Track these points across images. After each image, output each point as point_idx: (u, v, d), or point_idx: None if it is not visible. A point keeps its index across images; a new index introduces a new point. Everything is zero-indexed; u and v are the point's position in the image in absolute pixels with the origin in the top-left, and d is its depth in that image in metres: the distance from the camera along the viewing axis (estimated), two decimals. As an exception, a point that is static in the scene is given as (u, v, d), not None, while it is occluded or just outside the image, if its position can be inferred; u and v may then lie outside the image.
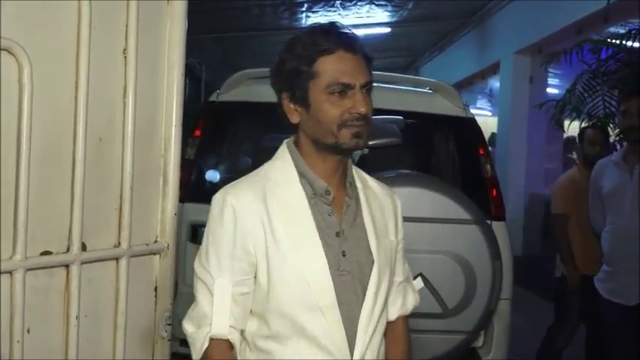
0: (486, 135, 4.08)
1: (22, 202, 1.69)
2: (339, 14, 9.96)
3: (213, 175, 3.68)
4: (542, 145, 9.26)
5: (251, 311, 1.57)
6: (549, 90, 9.86)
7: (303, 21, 10.39)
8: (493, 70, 10.75)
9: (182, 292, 2.85)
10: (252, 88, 3.61)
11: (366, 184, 1.69)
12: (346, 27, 1.58)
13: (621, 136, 4.68)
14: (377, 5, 9.89)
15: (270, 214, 1.53)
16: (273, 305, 1.53)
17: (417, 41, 12.84)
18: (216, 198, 1.57)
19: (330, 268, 1.53)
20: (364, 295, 1.57)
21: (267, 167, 1.63)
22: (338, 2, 9.54)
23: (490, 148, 4.58)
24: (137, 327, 2.06)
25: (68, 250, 1.83)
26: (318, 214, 1.56)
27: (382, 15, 10.51)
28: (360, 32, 10.75)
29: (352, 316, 1.55)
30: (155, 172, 2.11)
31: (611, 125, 5.55)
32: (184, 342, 1.64)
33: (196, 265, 1.59)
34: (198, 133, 3.61)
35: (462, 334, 2.97)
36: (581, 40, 6.32)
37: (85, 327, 1.88)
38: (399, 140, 3.04)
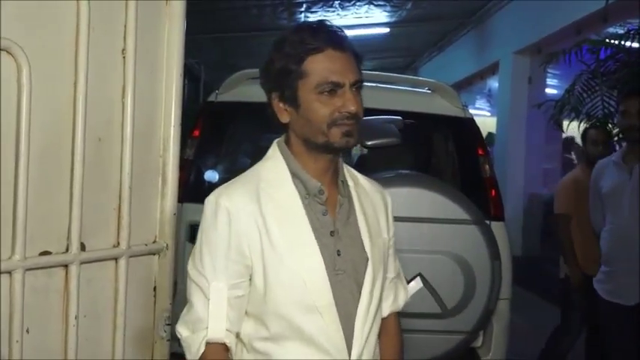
0: (483, 134, 4.07)
1: (21, 202, 1.69)
2: (338, 14, 9.96)
3: (212, 176, 3.67)
4: (541, 145, 9.26)
5: (247, 313, 1.56)
6: (548, 90, 9.86)
7: (302, 21, 10.39)
8: (492, 70, 10.76)
9: (181, 292, 2.85)
10: (251, 88, 3.60)
11: (357, 182, 1.68)
12: (334, 25, 1.57)
13: (620, 136, 4.68)
14: (376, 5, 9.89)
15: (264, 215, 1.52)
16: (270, 307, 1.52)
17: (416, 41, 12.84)
18: (210, 200, 1.55)
19: (326, 268, 1.53)
20: (359, 293, 1.56)
21: (258, 167, 1.61)
22: (337, 2, 9.54)
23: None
24: (136, 327, 2.06)
25: (67, 250, 1.84)
26: (312, 213, 1.55)
27: (381, 15, 10.51)
28: (358, 32, 10.81)
29: (349, 315, 1.55)
30: (154, 172, 2.11)
31: (609, 125, 5.54)
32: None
33: (190, 268, 1.57)
34: (197, 133, 3.60)
35: (461, 334, 2.97)
36: (580, 41, 6.31)
37: (84, 327, 1.88)
38: (398, 140, 3.05)
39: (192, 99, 10.66)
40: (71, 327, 1.84)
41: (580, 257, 4.13)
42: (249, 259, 1.52)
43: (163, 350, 2.12)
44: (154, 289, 2.12)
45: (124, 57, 1.96)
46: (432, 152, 4.29)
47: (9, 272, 1.70)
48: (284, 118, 1.57)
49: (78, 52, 1.82)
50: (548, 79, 9.75)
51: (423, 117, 3.85)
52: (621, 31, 6.26)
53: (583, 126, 5.68)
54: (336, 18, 10.02)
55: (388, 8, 10.12)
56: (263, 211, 1.52)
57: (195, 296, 1.55)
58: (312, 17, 10.02)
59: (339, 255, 1.56)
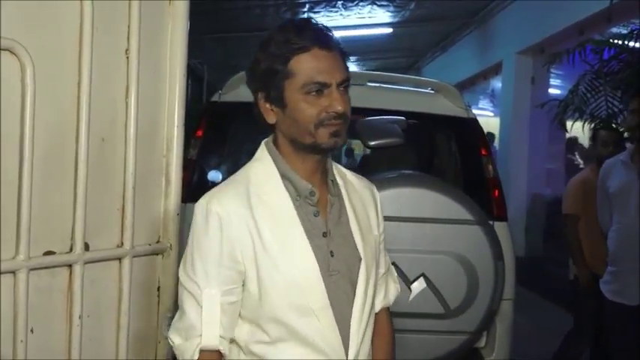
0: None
1: (24, 202, 1.70)
2: (341, 14, 9.97)
3: (215, 176, 3.68)
4: (544, 146, 9.26)
5: (242, 317, 1.55)
6: (551, 90, 9.85)
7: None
8: (495, 70, 10.75)
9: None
10: (253, 88, 3.60)
11: (346, 179, 1.67)
12: (320, 23, 1.54)
13: (627, 134, 4.66)
14: (379, 5, 9.89)
15: (255, 218, 1.50)
16: (266, 311, 1.51)
17: (419, 41, 12.84)
18: (200, 204, 1.53)
19: (320, 270, 1.51)
20: (354, 293, 1.56)
21: (247, 169, 1.59)
22: (340, 2, 9.54)
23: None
24: (139, 327, 2.06)
25: (71, 250, 1.84)
26: (304, 215, 1.54)
27: (384, 15, 10.51)
28: (361, 33, 10.77)
29: (344, 315, 1.54)
30: (157, 172, 2.12)
31: (613, 126, 5.53)
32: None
33: (181, 274, 1.55)
34: (200, 133, 3.60)
35: (464, 334, 2.96)
36: (583, 41, 6.29)
37: (88, 327, 1.89)
38: (401, 141, 3.04)
39: (195, 99, 10.65)
40: (75, 327, 1.85)
41: (588, 257, 4.11)
42: (241, 265, 1.50)
43: (166, 350, 2.12)
44: (158, 289, 2.12)
45: (127, 57, 1.96)
46: (435, 152, 4.28)
47: (13, 272, 1.70)
48: (270, 118, 1.54)
49: (81, 52, 1.82)
50: (551, 80, 9.74)
51: (426, 117, 3.84)
52: (625, 32, 6.25)
53: (587, 126, 5.68)
54: (339, 18, 10.03)
55: (391, 8, 10.12)
56: (254, 215, 1.50)
57: (187, 303, 1.52)
58: (315, 17, 10.01)
59: (332, 256, 1.54)
